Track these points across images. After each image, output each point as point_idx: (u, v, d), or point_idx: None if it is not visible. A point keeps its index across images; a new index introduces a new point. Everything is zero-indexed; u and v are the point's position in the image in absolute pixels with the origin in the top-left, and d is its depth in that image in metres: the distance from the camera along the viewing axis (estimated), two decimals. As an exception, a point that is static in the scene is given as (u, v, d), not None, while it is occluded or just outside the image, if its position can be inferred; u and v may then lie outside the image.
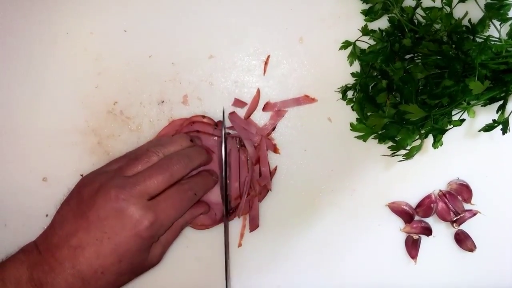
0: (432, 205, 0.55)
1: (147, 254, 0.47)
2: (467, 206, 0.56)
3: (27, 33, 0.56)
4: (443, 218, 0.55)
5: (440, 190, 0.55)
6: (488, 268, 0.56)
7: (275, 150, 0.55)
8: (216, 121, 0.55)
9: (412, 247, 0.55)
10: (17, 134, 0.56)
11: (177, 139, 0.51)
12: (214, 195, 0.54)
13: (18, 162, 0.56)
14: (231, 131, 0.55)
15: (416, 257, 0.55)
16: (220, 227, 0.55)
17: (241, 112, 0.56)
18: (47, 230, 0.47)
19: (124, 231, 0.43)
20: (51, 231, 0.46)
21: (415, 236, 0.55)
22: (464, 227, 0.56)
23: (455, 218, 0.55)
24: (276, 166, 0.55)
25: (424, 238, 0.56)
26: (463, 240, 0.55)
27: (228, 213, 0.54)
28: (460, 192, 0.55)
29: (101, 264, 0.43)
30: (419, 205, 0.56)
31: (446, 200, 0.55)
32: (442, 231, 0.56)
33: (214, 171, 0.54)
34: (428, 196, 0.56)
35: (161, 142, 0.50)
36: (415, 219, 0.55)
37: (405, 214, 0.55)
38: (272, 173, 0.55)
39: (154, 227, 0.44)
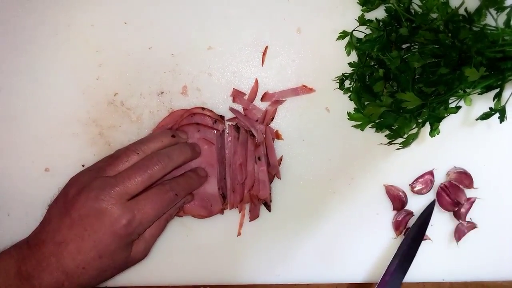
0: (430, 180, 0.55)
1: (128, 251, 0.48)
2: (470, 192, 0.56)
3: (28, 25, 0.57)
4: (446, 208, 0.55)
5: (442, 183, 0.56)
6: (489, 256, 0.56)
7: (278, 136, 0.56)
8: (216, 113, 0.56)
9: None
10: (20, 125, 0.57)
11: (157, 136, 0.52)
12: (211, 187, 0.55)
13: (21, 153, 0.57)
14: (230, 123, 0.56)
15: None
16: (219, 216, 0.56)
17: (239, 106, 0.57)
18: (38, 227, 0.49)
19: (103, 229, 0.45)
20: (40, 227, 0.48)
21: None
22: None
23: (457, 209, 0.55)
24: (282, 156, 0.56)
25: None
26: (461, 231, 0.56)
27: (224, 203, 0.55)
28: (460, 180, 0.55)
29: (83, 259, 0.45)
30: (418, 179, 0.56)
31: (448, 192, 0.55)
32: (443, 222, 0.56)
33: (203, 169, 0.54)
34: (429, 172, 0.56)
35: (141, 140, 0.51)
36: (405, 208, 0.56)
37: (398, 200, 0.55)
38: (278, 162, 0.56)
39: (132, 226, 0.46)
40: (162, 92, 0.57)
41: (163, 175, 0.49)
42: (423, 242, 0.56)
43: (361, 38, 0.54)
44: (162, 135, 0.52)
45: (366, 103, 0.53)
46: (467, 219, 0.56)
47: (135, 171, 0.47)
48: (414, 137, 0.51)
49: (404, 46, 0.52)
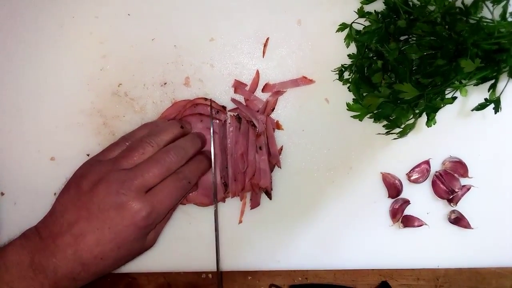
0: (427, 169, 0.57)
1: (144, 241, 0.50)
2: (465, 181, 0.57)
3: (33, 17, 0.57)
4: (441, 196, 0.57)
5: (437, 171, 0.57)
6: (483, 244, 0.58)
7: (278, 127, 0.57)
8: (218, 103, 0.57)
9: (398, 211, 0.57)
10: (25, 115, 0.58)
11: (168, 127, 0.53)
12: (211, 176, 0.56)
13: (27, 142, 0.58)
14: (232, 113, 0.57)
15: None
16: (221, 204, 0.57)
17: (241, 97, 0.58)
18: (48, 217, 0.48)
19: (124, 222, 0.46)
20: (52, 218, 0.48)
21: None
22: (460, 205, 0.57)
23: (451, 196, 0.57)
24: (282, 146, 0.57)
25: (422, 215, 0.57)
26: (459, 220, 0.57)
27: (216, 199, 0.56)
28: (455, 169, 0.57)
29: (101, 250, 0.46)
30: (414, 168, 0.57)
31: (443, 179, 0.57)
32: (438, 209, 0.58)
33: (209, 151, 0.56)
34: (425, 162, 0.57)
35: (153, 132, 0.52)
36: (400, 196, 0.57)
37: (394, 188, 0.57)
38: (279, 152, 0.57)
39: (151, 217, 0.47)
40: (165, 83, 0.58)
41: (178, 167, 0.50)
42: (418, 228, 0.57)
43: (360, 30, 0.55)
44: (172, 127, 0.53)
45: (364, 94, 0.54)
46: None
47: (153, 164, 0.48)
48: (411, 127, 0.52)
49: (402, 38, 0.53)
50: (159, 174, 0.48)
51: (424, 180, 0.57)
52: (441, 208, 0.58)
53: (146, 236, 0.50)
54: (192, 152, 0.52)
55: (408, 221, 0.57)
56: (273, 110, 0.57)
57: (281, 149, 0.57)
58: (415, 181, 0.57)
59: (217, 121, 0.56)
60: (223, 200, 0.57)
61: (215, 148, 0.56)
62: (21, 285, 0.45)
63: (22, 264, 0.45)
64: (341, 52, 0.56)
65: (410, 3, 0.53)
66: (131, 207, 0.46)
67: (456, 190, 0.56)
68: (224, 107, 0.57)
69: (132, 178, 0.47)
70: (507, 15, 0.50)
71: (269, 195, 0.57)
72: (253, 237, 0.58)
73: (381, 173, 0.57)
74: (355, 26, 0.55)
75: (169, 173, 0.49)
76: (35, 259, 0.45)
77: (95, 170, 0.48)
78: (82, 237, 0.45)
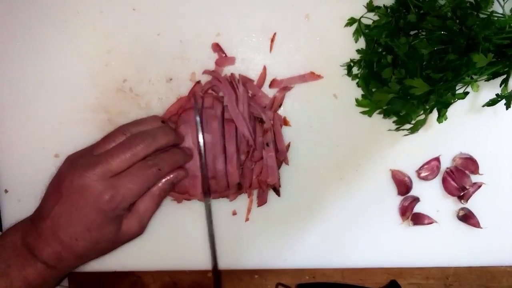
0: (437, 166, 0.56)
1: (116, 225, 0.50)
2: (475, 178, 0.56)
3: (37, 12, 0.57)
4: (451, 193, 0.56)
5: (447, 167, 0.56)
6: (494, 242, 0.57)
7: (286, 123, 0.56)
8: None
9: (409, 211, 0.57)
10: (29, 112, 0.57)
11: (147, 119, 0.53)
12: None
13: (31, 139, 0.57)
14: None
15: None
16: (227, 201, 0.57)
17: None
18: (39, 204, 0.52)
19: (88, 204, 0.48)
20: (40, 204, 0.52)
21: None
22: (470, 202, 0.57)
23: (462, 194, 0.56)
24: (290, 142, 0.57)
25: (432, 213, 0.57)
26: (467, 218, 0.56)
27: (208, 192, 0.56)
28: (466, 166, 0.56)
29: (74, 231, 0.48)
30: (424, 165, 0.56)
31: (454, 176, 0.56)
32: (448, 207, 0.57)
33: (189, 149, 0.55)
34: (435, 159, 0.56)
35: (132, 122, 0.53)
36: (409, 194, 0.57)
37: (403, 185, 0.56)
38: (286, 148, 0.56)
39: (115, 201, 0.48)
40: (171, 79, 0.57)
41: (146, 154, 0.50)
42: (428, 226, 0.56)
43: (369, 25, 0.54)
44: (152, 119, 0.54)
45: (373, 89, 0.53)
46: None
47: (118, 149, 0.49)
48: (422, 123, 0.52)
49: (412, 32, 0.52)
50: (124, 159, 0.48)
51: (434, 177, 0.56)
52: (452, 205, 0.57)
53: (117, 220, 0.50)
54: (161, 141, 0.51)
55: (418, 219, 0.56)
56: (280, 106, 0.57)
57: (289, 145, 0.57)
58: (425, 178, 0.56)
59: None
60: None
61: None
62: (17, 262, 0.49)
63: (16, 244, 0.49)
64: (349, 47, 0.55)
65: (420, -3, 0.52)
66: (93, 189, 0.47)
67: (467, 187, 0.55)
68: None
69: (97, 162, 0.48)
70: (518, 9, 0.49)
71: (277, 192, 0.56)
72: (259, 235, 0.57)
73: (390, 170, 0.57)
74: (363, 20, 0.54)
75: (135, 159, 0.49)
76: (25, 239, 0.49)
77: (72, 157, 0.51)
78: (57, 219, 0.48)
